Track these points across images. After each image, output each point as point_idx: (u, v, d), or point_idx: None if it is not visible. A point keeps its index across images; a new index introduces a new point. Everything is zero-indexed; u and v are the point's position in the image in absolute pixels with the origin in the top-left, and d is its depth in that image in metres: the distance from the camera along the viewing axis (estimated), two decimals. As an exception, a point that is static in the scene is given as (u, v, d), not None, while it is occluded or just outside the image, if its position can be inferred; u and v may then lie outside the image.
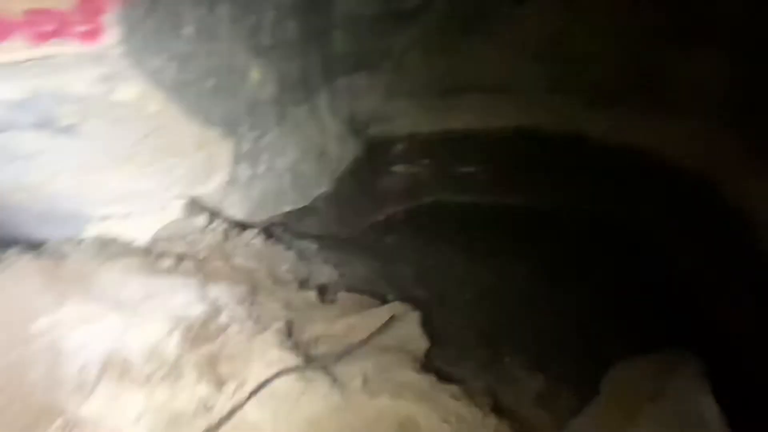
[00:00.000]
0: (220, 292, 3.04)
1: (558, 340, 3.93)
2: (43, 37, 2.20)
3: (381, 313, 3.25)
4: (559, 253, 5.30)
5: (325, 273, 4.29)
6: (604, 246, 5.54)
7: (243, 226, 4.17)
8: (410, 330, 3.11)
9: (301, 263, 4.22)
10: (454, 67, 6.70)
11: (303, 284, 3.88)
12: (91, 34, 2.36)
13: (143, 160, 3.36)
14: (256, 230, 4.12)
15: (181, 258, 3.42)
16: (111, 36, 2.48)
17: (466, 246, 5.52)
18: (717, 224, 4.80)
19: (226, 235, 3.85)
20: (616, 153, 5.92)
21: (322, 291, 3.85)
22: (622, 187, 5.98)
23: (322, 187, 5.55)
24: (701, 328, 4.19)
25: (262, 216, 4.58)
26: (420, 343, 3.06)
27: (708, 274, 4.77)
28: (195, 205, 3.97)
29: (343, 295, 3.84)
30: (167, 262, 3.32)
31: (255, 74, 3.94)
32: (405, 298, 3.82)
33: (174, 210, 3.70)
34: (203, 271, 3.35)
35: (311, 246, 4.73)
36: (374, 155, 6.84)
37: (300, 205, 5.22)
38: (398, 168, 6.94)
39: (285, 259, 4.10)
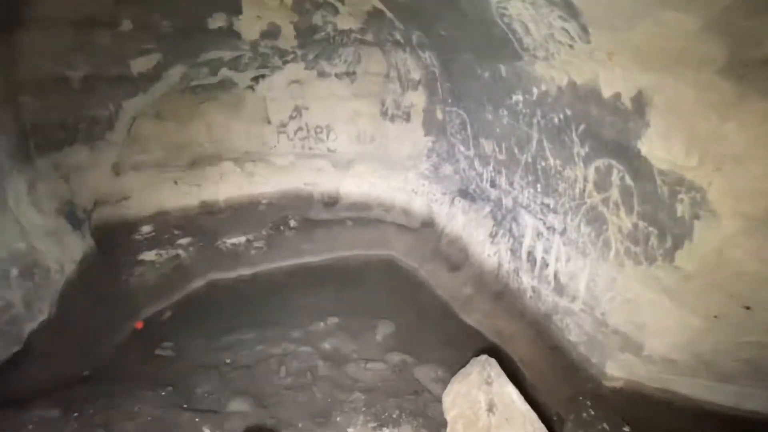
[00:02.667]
0: None
1: None
2: None
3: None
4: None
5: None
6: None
7: None
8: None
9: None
10: (197, 137, 6.17)
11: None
12: None
13: None
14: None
15: None
16: None
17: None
18: None
19: None
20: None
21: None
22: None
23: (39, 317, 3.79)
24: None
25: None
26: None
27: None
28: None
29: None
30: None
31: None
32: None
33: None
34: None
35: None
36: (113, 247, 5.24)
37: (9, 353, 3.38)
38: (149, 255, 5.62)
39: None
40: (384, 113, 6.57)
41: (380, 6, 5.22)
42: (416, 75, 6.03)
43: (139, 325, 5.06)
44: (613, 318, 3.73)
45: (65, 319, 4.11)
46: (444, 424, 3.52)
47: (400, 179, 6.72)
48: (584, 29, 2.95)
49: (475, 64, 4.69)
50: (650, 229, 3.19)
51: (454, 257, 6.02)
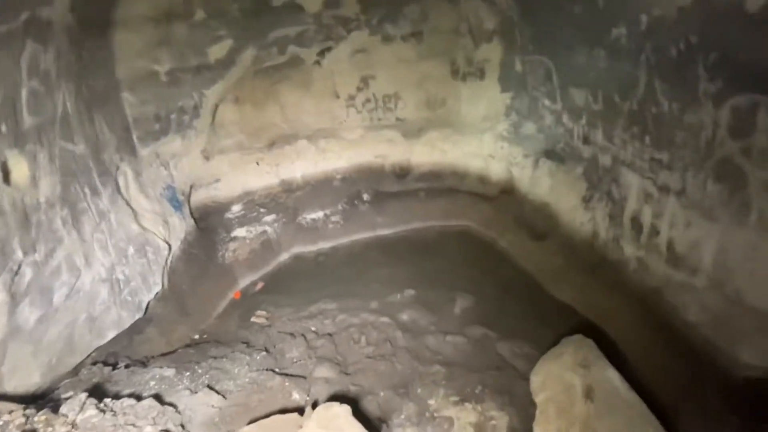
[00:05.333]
0: None
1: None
2: None
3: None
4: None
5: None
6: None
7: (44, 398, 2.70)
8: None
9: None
10: (272, 118, 6.33)
11: None
12: None
13: None
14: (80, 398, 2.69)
15: None
16: None
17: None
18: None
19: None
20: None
21: None
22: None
23: (155, 288, 4.25)
24: None
25: (73, 362, 3.12)
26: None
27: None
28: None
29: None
30: None
31: (19, 171, 2.61)
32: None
33: None
34: None
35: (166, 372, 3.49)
36: (210, 227, 5.75)
37: (129, 323, 3.84)
38: (241, 232, 6.04)
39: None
40: (455, 72, 6.00)
41: (446, -51, 4.62)
42: (490, 24, 5.31)
43: (237, 295, 5.52)
44: (753, 296, 2.96)
45: (175, 290, 4.60)
46: (532, 403, 3.21)
47: (475, 144, 6.17)
48: None
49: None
50: (818, 183, 2.37)
51: (540, 226, 5.41)
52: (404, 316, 4.79)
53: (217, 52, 5.03)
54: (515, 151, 5.80)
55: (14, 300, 2.68)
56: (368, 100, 6.49)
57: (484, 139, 6.06)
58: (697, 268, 3.41)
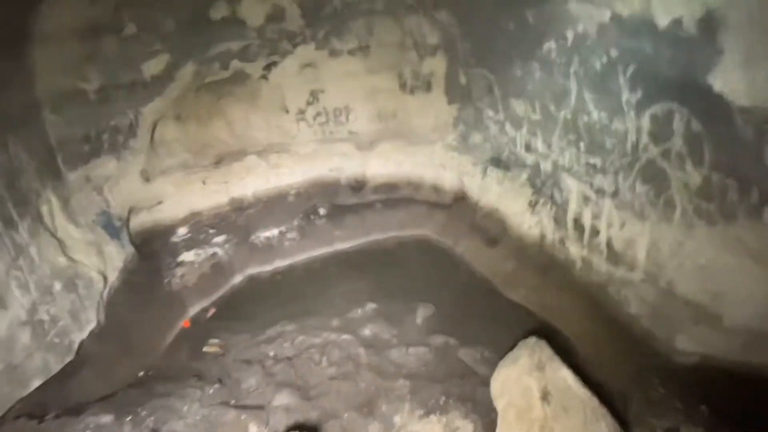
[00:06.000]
0: None
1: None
2: None
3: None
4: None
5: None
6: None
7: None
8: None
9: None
10: (218, 134, 6.05)
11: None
12: None
13: None
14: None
15: None
16: None
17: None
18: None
19: None
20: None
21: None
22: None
23: (88, 325, 3.85)
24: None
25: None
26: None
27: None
28: None
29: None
30: None
31: None
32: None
33: None
34: None
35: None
36: (153, 252, 5.32)
37: (58, 367, 3.44)
38: (188, 256, 5.66)
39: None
40: (403, 86, 6.10)
41: (387, -32, 4.71)
42: (433, 39, 5.47)
43: (186, 324, 5.14)
44: (683, 287, 3.21)
45: (114, 325, 4.19)
46: (494, 409, 3.24)
47: (427, 154, 6.28)
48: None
49: (497, 16, 4.12)
50: (728, 181, 2.63)
51: (492, 231, 5.57)
52: (366, 331, 4.70)
53: (153, 67, 4.72)
54: (465, 160, 5.97)
55: None
56: (319, 114, 6.41)
57: (435, 149, 6.19)
58: (634, 265, 3.65)
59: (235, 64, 5.41)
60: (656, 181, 3.18)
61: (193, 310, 5.33)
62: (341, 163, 6.63)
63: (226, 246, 5.97)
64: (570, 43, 3.39)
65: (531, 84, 4.23)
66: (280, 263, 6.16)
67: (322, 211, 6.66)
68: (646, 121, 3.03)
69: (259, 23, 5.15)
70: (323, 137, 6.54)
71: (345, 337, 4.64)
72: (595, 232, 4.04)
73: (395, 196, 6.78)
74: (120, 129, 4.75)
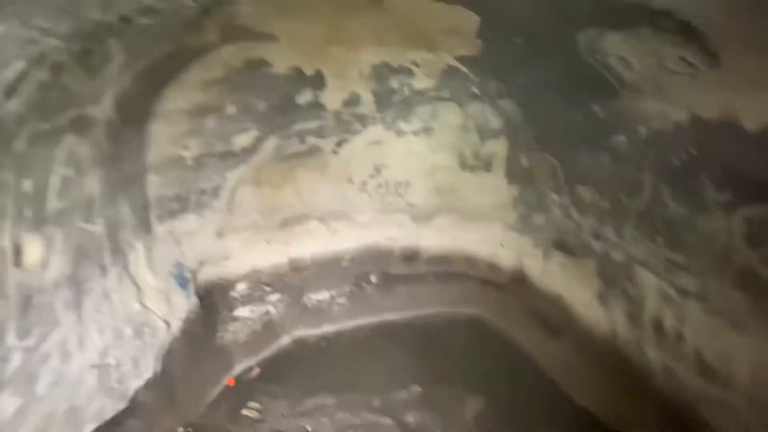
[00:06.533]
0: None
1: None
2: None
3: None
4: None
5: None
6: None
7: None
8: None
9: None
10: (288, 199, 6.54)
11: None
12: None
13: None
14: None
15: None
16: None
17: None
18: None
19: None
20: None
21: None
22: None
23: (145, 374, 3.99)
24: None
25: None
26: None
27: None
28: None
29: None
30: None
31: (32, 253, 2.62)
32: None
33: None
34: None
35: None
36: (212, 305, 5.60)
37: (111, 414, 3.53)
38: (244, 311, 5.85)
39: None
40: (463, 164, 6.26)
41: (455, 63, 5.12)
42: (495, 124, 5.67)
43: (231, 382, 5.14)
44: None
45: (167, 376, 4.30)
46: None
47: (485, 231, 6.17)
48: (711, 54, 2.35)
49: (561, 107, 4.19)
50: None
51: (554, 320, 5.12)
52: (409, 418, 4.35)
53: (242, 140, 5.39)
54: (525, 240, 5.75)
55: (-7, 391, 2.50)
56: (380, 186, 6.71)
57: (493, 227, 6.07)
58: (732, 384, 3.06)
59: (311, 140, 5.99)
60: (757, 289, 2.76)
61: (239, 368, 5.35)
62: (396, 233, 6.73)
63: (279, 305, 6.11)
64: (643, 138, 3.30)
65: (599, 172, 4.11)
66: (327, 328, 6.11)
67: (373, 278, 6.66)
68: (738, 223, 2.73)
69: (336, 107, 5.76)
70: (382, 207, 6.76)
71: (386, 421, 4.32)
72: (679, 337, 3.52)
73: (448, 270, 6.63)
74: (206, 191, 5.34)
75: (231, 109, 5.08)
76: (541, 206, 5.40)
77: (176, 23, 2.68)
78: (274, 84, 5.15)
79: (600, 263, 4.57)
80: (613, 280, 4.38)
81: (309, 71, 5.27)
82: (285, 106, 5.45)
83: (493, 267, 6.20)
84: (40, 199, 2.74)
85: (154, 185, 4.69)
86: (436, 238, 6.65)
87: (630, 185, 3.75)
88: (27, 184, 2.51)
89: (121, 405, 3.64)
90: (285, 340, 5.90)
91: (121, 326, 3.75)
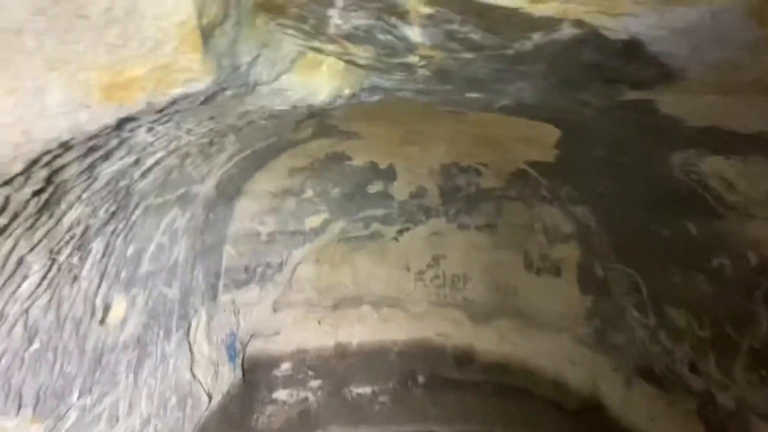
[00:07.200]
0: None
1: None
2: None
3: None
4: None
5: None
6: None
7: None
8: None
9: None
10: (343, 280, 6.58)
11: None
12: None
13: None
14: None
15: None
16: None
17: None
18: None
19: None
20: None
21: None
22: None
23: (178, 450, 3.78)
24: None
25: None
26: None
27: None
28: None
29: None
30: None
31: (117, 312, 2.80)
32: None
33: None
34: None
35: None
36: (254, 382, 5.43)
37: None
38: (282, 394, 5.56)
39: None
40: (528, 265, 5.93)
41: (525, 167, 5.21)
42: (566, 228, 5.44)
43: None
44: None
45: (197, 457, 4.04)
46: None
47: (551, 343, 5.53)
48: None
49: (646, 220, 3.92)
50: None
51: (641, 472, 4.14)
52: None
53: (312, 221, 5.73)
54: (601, 361, 5.01)
55: (43, 448, 2.47)
56: (437, 277, 6.53)
57: (562, 339, 5.44)
58: None
59: (375, 226, 6.20)
60: None
61: (267, 461, 4.90)
62: (450, 330, 6.30)
63: (319, 393, 5.75)
64: (754, 264, 2.90)
65: (695, 295, 3.60)
66: (364, 430, 5.53)
67: (420, 379, 6.11)
68: None
69: (403, 198, 6.01)
70: (437, 299, 6.49)
71: None
72: None
73: (507, 381, 5.88)
74: (272, 264, 5.57)
75: (308, 193, 5.52)
76: (620, 323, 4.78)
77: (286, 124, 3.11)
78: (350, 174, 5.59)
79: (702, 405, 3.76)
80: (721, 428, 3.54)
81: (383, 165, 5.67)
82: (356, 194, 5.81)
83: (560, 386, 5.39)
84: (136, 263, 3.01)
85: (228, 256, 5.01)
86: (494, 341, 6.08)
87: (739, 316, 3.21)
88: (131, 249, 2.79)
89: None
90: (319, 436, 5.40)
91: (168, 394, 3.70)
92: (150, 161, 1.98)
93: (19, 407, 2.19)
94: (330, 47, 1.63)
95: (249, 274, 5.27)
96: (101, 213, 1.95)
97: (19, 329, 2.04)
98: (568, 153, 4.09)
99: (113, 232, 2.31)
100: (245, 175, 4.62)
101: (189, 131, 1.97)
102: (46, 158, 1.18)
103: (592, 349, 5.17)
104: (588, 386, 5.21)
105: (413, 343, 6.37)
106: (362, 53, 1.74)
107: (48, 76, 0.99)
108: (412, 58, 1.81)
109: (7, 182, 1.19)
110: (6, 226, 1.36)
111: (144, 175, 2.08)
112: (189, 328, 4.24)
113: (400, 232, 6.40)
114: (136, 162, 1.81)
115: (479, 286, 6.38)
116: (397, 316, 6.52)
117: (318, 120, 3.60)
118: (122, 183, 1.91)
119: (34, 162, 1.15)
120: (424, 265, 6.56)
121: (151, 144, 1.75)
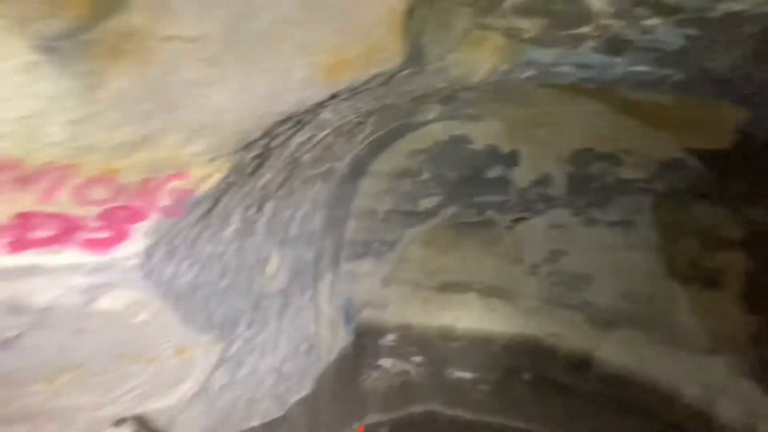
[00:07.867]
0: None
1: None
2: (31, 244, 1.53)
3: None
4: None
5: None
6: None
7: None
8: None
9: None
10: (451, 265, 6.62)
11: None
12: (106, 243, 1.75)
13: (89, 371, 2.33)
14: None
15: None
16: (133, 246, 1.84)
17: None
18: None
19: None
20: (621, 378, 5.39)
21: None
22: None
23: (303, 390, 4.38)
24: None
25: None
26: None
27: None
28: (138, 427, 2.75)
29: None
30: None
31: (273, 265, 3.36)
32: None
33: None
34: None
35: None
36: (363, 346, 5.93)
37: (271, 417, 3.94)
38: (387, 363, 5.96)
39: None
40: (672, 273, 5.11)
41: (681, 155, 4.44)
42: (732, 232, 4.50)
43: (361, 430, 5.17)
44: None
45: (316, 400, 4.64)
46: None
47: (695, 365, 4.73)
48: None
49: None
50: None
51: None
52: None
53: (426, 203, 5.86)
54: (765, 399, 4.12)
55: (217, 365, 3.14)
56: (553, 273, 6.09)
57: (712, 364, 4.60)
58: None
59: (489, 213, 6.03)
60: None
61: (370, 419, 5.35)
62: (564, 331, 5.86)
63: (420, 369, 5.99)
64: None
65: None
66: (462, 413, 5.60)
67: (526, 376, 5.88)
68: None
69: (523, 186, 5.70)
70: (551, 297, 6.07)
71: None
72: None
73: (627, 398, 5.27)
74: (385, 241, 5.91)
75: (425, 176, 5.64)
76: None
77: (419, 105, 3.23)
78: (469, 157, 5.51)
79: None
80: None
81: (506, 149, 5.44)
82: (473, 178, 5.71)
83: (703, 419, 4.60)
84: (287, 226, 3.52)
85: (351, 230, 5.48)
86: (616, 352, 5.47)
87: None
88: (287, 214, 3.30)
89: (280, 413, 4.05)
90: (418, 409, 5.67)
91: (300, 341, 4.30)
92: (320, 136, 2.29)
93: (212, 328, 2.81)
94: (500, 22, 1.63)
95: (366, 248, 5.69)
96: (279, 179, 2.34)
97: (217, 267, 2.61)
98: (752, 140, 3.34)
99: (281, 196, 2.76)
100: (372, 155, 4.95)
101: (357, 111, 2.21)
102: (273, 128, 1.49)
103: (754, 381, 4.26)
104: (740, 424, 4.34)
105: (521, 338, 6.12)
106: (530, 26, 1.69)
107: (294, 58, 1.23)
108: (584, 29, 1.70)
109: (245, 147, 1.54)
110: (233, 184, 1.75)
111: (311, 149, 2.42)
112: (317, 289, 4.82)
113: (516, 221, 6.10)
114: (311, 137, 2.12)
115: (604, 289, 5.73)
116: (505, 308, 6.31)
117: (447, 100, 3.62)
118: (296, 154, 2.26)
119: (268, 131, 1.46)
120: (540, 259, 6.17)
121: (328, 121, 2.02)
